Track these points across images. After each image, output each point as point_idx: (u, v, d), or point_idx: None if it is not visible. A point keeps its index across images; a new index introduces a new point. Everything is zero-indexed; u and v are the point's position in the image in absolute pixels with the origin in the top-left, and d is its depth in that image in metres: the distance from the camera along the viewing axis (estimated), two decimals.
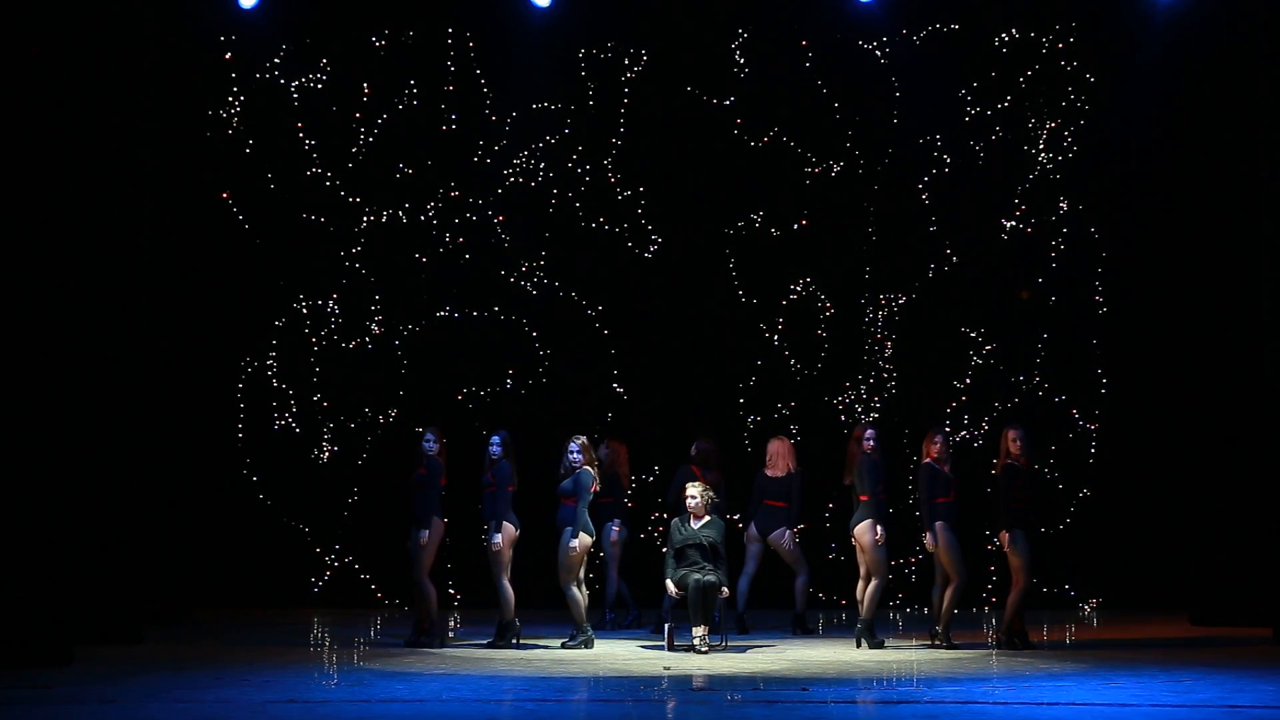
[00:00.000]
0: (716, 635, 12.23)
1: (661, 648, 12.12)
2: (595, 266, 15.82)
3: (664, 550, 12.53)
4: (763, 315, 15.76)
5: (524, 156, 15.82)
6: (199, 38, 15.09)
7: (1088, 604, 15.32)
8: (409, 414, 15.63)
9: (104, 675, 10.30)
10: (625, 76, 15.78)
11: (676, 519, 12.32)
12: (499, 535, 12.02)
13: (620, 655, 11.80)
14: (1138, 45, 15.12)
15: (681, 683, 10.24)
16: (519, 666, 11.07)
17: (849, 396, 15.66)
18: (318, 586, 15.55)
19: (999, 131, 15.60)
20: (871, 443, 12.30)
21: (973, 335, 15.60)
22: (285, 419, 15.67)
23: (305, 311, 15.73)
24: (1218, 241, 13.93)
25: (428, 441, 12.32)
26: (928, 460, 12.17)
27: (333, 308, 15.75)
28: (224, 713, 8.91)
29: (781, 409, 15.64)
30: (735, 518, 14.01)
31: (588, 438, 12.44)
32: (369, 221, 15.78)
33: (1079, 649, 12.33)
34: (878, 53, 15.69)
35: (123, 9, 12.43)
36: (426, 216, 15.81)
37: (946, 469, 12.18)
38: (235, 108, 15.62)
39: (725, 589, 12.04)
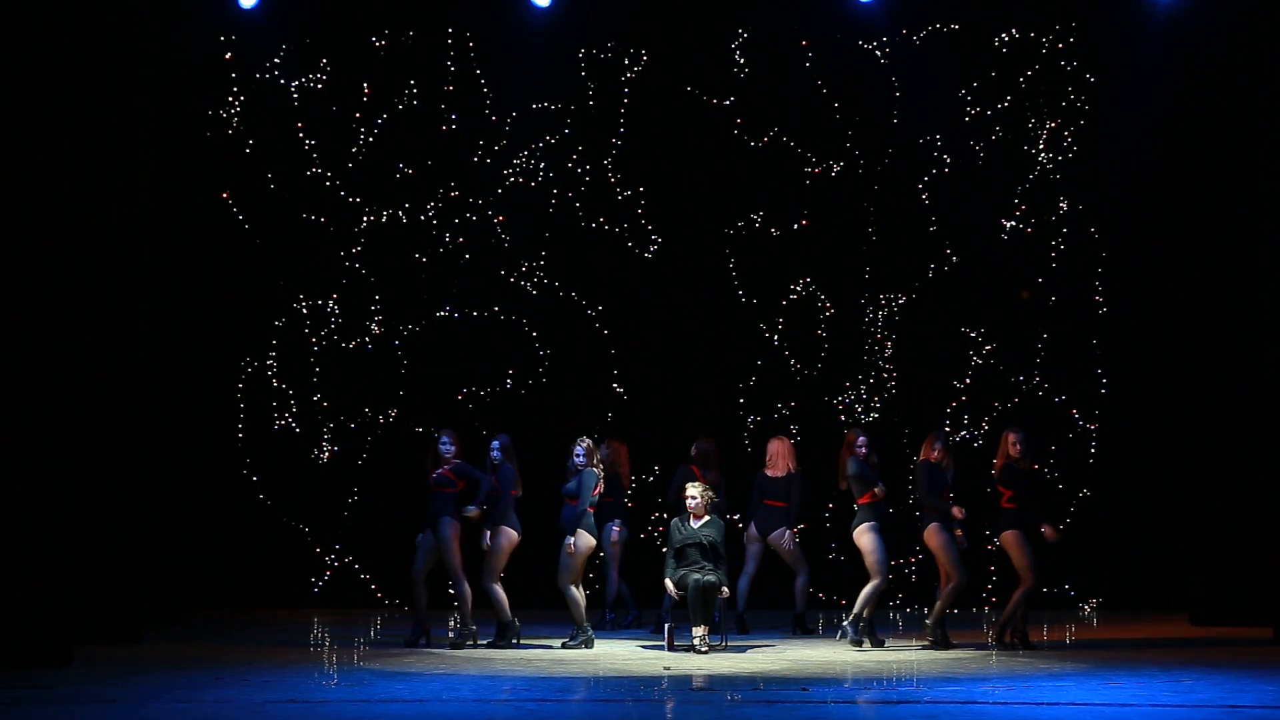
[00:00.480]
0: (716, 635, 12.23)
1: (661, 648, 12.12)
2: (595, 266, 15.82)
3: (664, 550, 12.53)
4: (763, 315, 15.76)
5: (524, 156, 15.82)
6: (199, 38, 15.09)
7: (1088, 604, 15.33)
8: (409, 414, 15.64)
9: (104, 675, 10.30)
10: (625, 76, 15.78)
11: (676, 519, 12.32)
12: (502, 539, 12.04)
13: (620, 655, 11.80)
14: (1138, 45, 15.11)
15: (681, 683, 10.24)
16: (519, 666, 11.07)
17: (849, 396, 15.66)
18: (318, 586, 15.55)
19: (999, 131, 15.60)
20: (865, 449, 12.30)
21: (973, 335, 15.60)
22: (285, 419, 15.67)
23: (305, 311, 15.73)
24: (1218, 241, 13.93)
25: (445, 444, 12.33)
26: (924, 459, 12.16)
27: (333, 308, 15.75)
28: (224, 713, 8.91)
29: (781, 409, 15.64)
30: (735, 518, 14.01)
31: (591, 439, 12.45)
32: (369, 221, 15.78)
33: (1079, 649, 12.33)
34: (878, 53, 15.69)
35: (123, 9, 12.44)
36: (426, 216, 15.81)
37: (947, 473, 12.18)
38: (235, 108, 15.62)
39: (725, 589, 12.04)
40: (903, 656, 11.72)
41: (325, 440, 15.67)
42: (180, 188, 14.47)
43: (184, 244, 14.57)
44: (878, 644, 12.21)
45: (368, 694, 9.62)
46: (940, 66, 15.57)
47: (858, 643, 12.07)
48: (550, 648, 12.14)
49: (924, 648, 12.11)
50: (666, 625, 12.30)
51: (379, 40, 15.71)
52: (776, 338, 15.74)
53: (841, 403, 15.66)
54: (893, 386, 15.64)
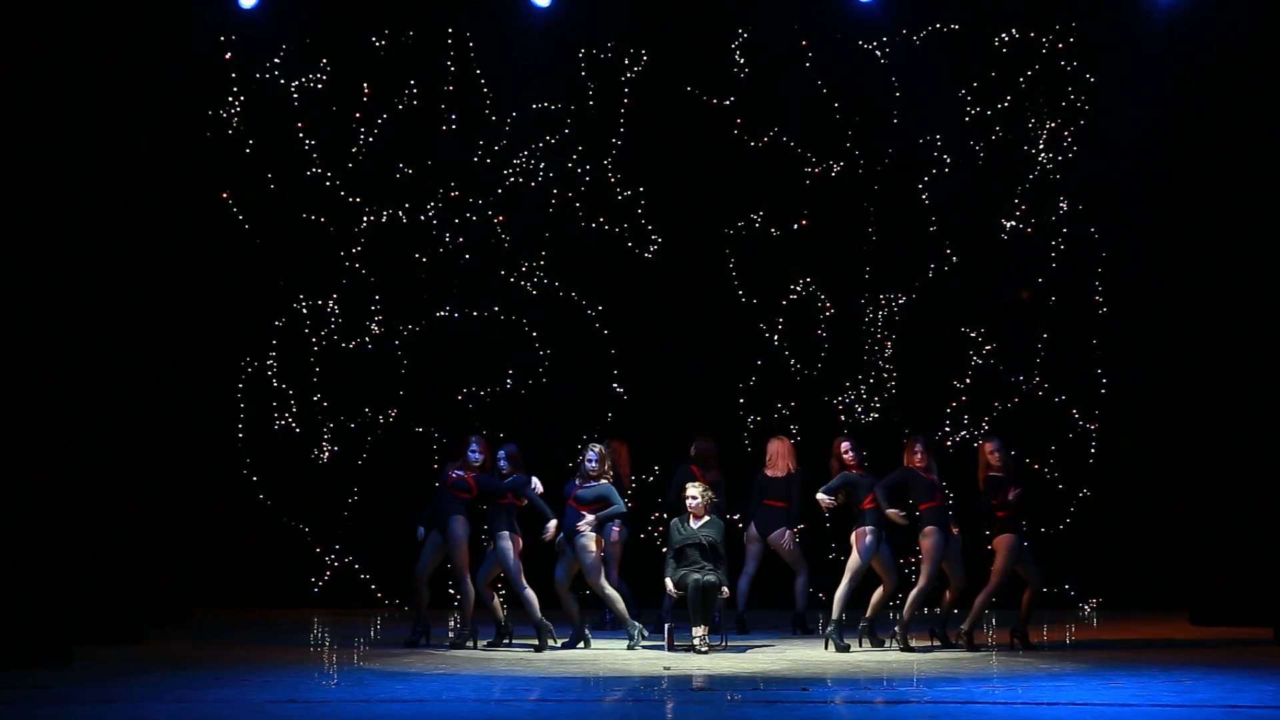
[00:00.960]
0: (716, 635, 12.23)
1: (661, 648, 12.12)
2: (595, 266, 15.82)
3: (664, 550, 12.53)
4: (763, 315, 15.76)
5: (524, 156, 15.82)
6: (199, 38, 15.09)
7: (1088, 604, 15.32)
8: (409, 414, 15.64)
9: (104, 675, 10.30)
10: (625, 76, 15.78)
11: (676, 519, 12.32)
12: (509, 543, 12.06)
13: (620, 655, 11.80)
14: (1138, 45, 15.11)
15: (681, 683, 10.24)
16: (519, 667, 11.07)
17: (849, 396, 15.66)
18: (318, 586, 15.55)
19: (999, 131, 15.60)
20: (850, 455, 12.32)
21: (973, 335, 15.60)
22: (285, 419, 15.67)
23: (305, 311, 15.73)
24: (1218, 241, 13.93)
25: (474, 451, 12.34)
26: (909, 467, 12.17)
27: (333, 308, 15.75)
28: (224, 713, 8.91)
29: (781, 409, 15.64)
30: (735, 518, 14.01)
31: (602, 445, 12.47)
32: (369, 221, 15.78)
33: (1079, 649, 12.33)
34: (878, 53, 15.68)
35: (123, 9, 12.43)
36: (426, 216, 15.81)
37: (932, 475, 12.17)
38: (235, 108, 15.62)
39: (725, 589, 12.04)
40: (903, 656, 11.72)
41: (325, 440, 15.67)
42: (180, 188, 14.47)
43: (184, 244, 14.57)
44: (877, 644, 12.22)
45: (368, 694, 9.62)
46: (940, 66, 15.56)
47: (843, 649, 12.06)
48: (552, 648, 12.13)
49: (929, 648, 12.12)
50: (666, 625, 12.30)
51: (379, 40, 15.70)
52: (776, 338, 15.74)
53: (841, 403, 15.66)
54: (893, 386, 15.64)
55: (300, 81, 15.70)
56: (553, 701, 9.49)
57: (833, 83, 15.69)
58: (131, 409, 12.46)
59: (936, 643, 12.26)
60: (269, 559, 15.47)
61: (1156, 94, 14.97)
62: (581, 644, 12.21)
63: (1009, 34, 15.57)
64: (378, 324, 15.78)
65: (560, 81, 15.77)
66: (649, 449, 15.11)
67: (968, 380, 15.57)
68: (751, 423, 15.59)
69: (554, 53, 15.69)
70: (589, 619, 12.73)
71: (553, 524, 12.01)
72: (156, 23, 12.98)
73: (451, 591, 15.12)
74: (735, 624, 13.08)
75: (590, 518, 12.01)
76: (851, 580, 12.14)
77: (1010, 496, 12.01)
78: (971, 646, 12.05)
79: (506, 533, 12.10)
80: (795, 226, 15.77)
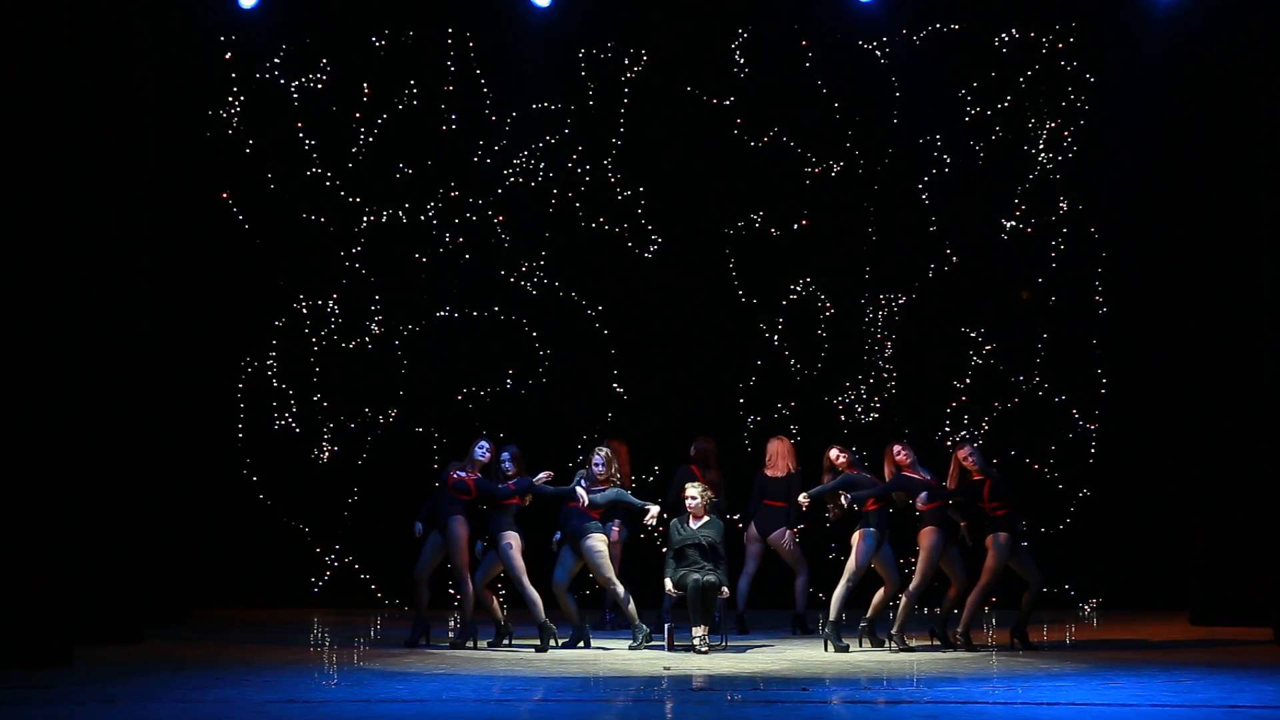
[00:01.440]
0: (716, 635, 12.23)
1: (661, 648, 12.12)
2: (595, 266, 15.83)
3: (664, 550, 12.53)
4: (763, 315, 15.76)
5: (524, 156, 15.82)
6: (199, 38, 15.09)
7: (1088, 604, 15.32)
8: (409, 414, 15.64)
9: (104, 675, 10.30)
10: (625, 76, 15.78)
11: (675, 519, 12.32)
12: (512, 543, 12.07)
13: (620, 655, 11.80)
14: (1138, 45, 15.11)
15: (681, 683, 10.24)
16: (519, 667, 11.07)
17: (849, 396, 15.66)
18: (318, 586, 15.55)
19: (999, 131, 15.60)
20: (842, 459, 12.31)
21: (973, 335, 15.61)
22: (285, 419, 15.67)
23: (305, 311, 15.73)
24: (1218, 241, 13.92)
25: (481, 449, 12.36)
26: (902, 473, 12.16)
27: (333, 308, 15.75)
28: (224, 713, 8.91)
29: (781, 409, 15.64)
30: (735, 518, 14.01)
31: (609, 448, 12.49)
32: (369, 221, 15.78)
33: (1079, 649, 12.33)
34: (878, 53, 15.69)
35: (123, 9, 12.43)
36: (426, 216, 15.81)
37: (921, 475, 12.17)
38: (235, 108, 15.62)
39: (725, 589, 12.04)
40: (903, 657, 11.72)
41: (325, 440, 15.67)
42: (180, 188, 14.46)
43: (184, 244, 14.57)
44: (877, 644, 12.22)
45: (368, 694, 9.62)
46: (940, 66, 15.57)
47: (843, 649, 12.06)
48: (553, 648, 12.13)
49: (931, 648, 12.13)
50: (666, 625, 12.30)
51: (379, 40, 15.71)
52: (776, 338, 15.74)
53: (841, 403, 15.66)
54: (893, 386, 15.64)
55: (300, 81, 15.70)
56: (553, 701, 9.49)
57: (833, 83, 15.69)
58: (131, 409, 12.45)
59: (936, 642, 12.26)
60: (269, 559, 15.48)
61: (1156, 94, 14.97)
62: (581, 644, 12.22)
63: (1009, 34, 15.57)
64: (378, 324, 15.78)
65: (560, 81, 15.77)
66: (649, 449, 15.11)
67: (968, 380, 15.58)
68: (751, 423, 15.59)
69: (554, 53, 15.70)
70: (589, 619, 12.72)
71: (582, 494, 12.15)
72: (156, 23, 12.98)
73: (451, 591, 15.14)
74: (735, 624, 13.08)
75: (653, 509, 12.15)
76: (850, 581, 12.14)
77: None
78: (969, 647, 12.05)
79: (509, 533, 12.11)
80: (795, 226, 15.77)
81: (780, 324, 15.75)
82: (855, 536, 12.19)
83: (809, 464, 13.97)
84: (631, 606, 12.23)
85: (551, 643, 12.05)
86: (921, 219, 15.70)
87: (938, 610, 12.57)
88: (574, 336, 15.78)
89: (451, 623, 13.55)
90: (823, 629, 12.24)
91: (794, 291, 15.75)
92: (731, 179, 15.83)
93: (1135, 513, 15.26)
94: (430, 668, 10.92)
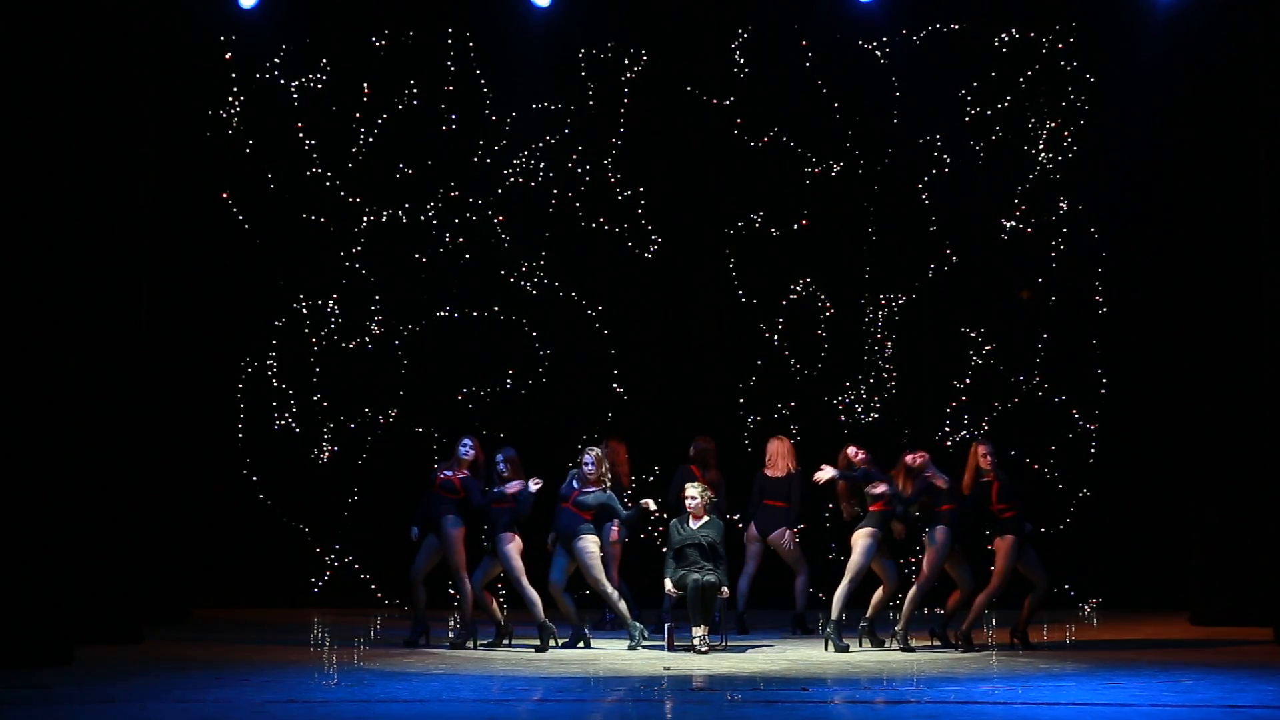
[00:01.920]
0: (716, 635, 12.23)
1: (661, 648, 12.12)
2: (595, 266, 15.83)
3: (664, 550, 12.53)
4: (763, 315, 15.76)
5: (524, 156, 15.82)
6: (199, 38, 15.09)
7: (1088, 604, 15.32)
8: (409, 414, 15.64)
9: (104, 675, 10.30)
10: (625, 76, 15.78)
11: (675, 519, 12.33)
12: (511, 545, 12.08)
13: (620, 655, 11.80)
14: (1138, 45, 15.10)
15: (681, 683, 10.24)
16: (519, 667, 11.07)
17: (849, 396, 15.66)
18: (318, 586, 15.55)
19: (999, 131, 15.60)
20: (860, 455, 12.29)
21: (973, 335, 15.60)
22: (285, 419, 15.67)
23: (305, 311, 15.73)
24: (1218, 241, 13.91)
25: (466, 447, 12.37)
26: (924, 477, 12.15)
27: (333, 308, 15.75)
28: (224, 713, 8.91)
29: (781, 409, 15.64)
30: (735, 518, 14.00)
31: (600, 448, 12.48)
32: (369, 221, 15.78)
33: (1079, 649, 12.33)
34: (878, 53, 15.69)
35: (123, 9, 12.43)
36: (426, 216, 15.81)
37: (939, 478, 12.16)
38: (235, 108, 15.61)
39: (725, 589, 12.04)
40: (903, 657, 11.73)
41: (325, 440, 15.67)
42: (180, 188, 14.46)
43: (184, 244, 14.56)
44: (878, 644, 12.22)
45: (368, 694, 9.62)
46: (940, 66, 15.56)
47: (843, 649, 12.06)
48: (551, 647, 12.13)
49: (933, 648, 12.13)
50: (666, 625, 12.30)
51: (379, 40, 15.70)
52: (776, 338, 15.74)
53: (841, 403, 15.66)
54: (893, 386, 15.64)
55: (300, 81, 15.70)
56: (553, 701, 9.49)
57: (833, 83, 15.69)
58: (131, 409, 12.45)
59: (936, 643, 12.26)
60: (269, 559, 15.48)
61: (1156, 94, 14.97)
62: (581, 644, 12.22)
63: (1009, 34, 15.56)
64: (378, 324, 15.78)
65: (560, 81, 15.77)
66: (649, 449, 15.11)
67: (968, 380, 15.57)
68: (751, 423, 15.59)
69: (554, 53, 15.69)
70: (588, 619, 12.72)
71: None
72: (156, 23, 12.98)
73: (451, 591, 15.15)
74: (735, 624, 13.08)
75: (650, 504, 12.15)
76: (851, 581, 12.14)
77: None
78: (969, 647, 12.05)
79: (508, 534, 12.11)
80: (795, 226, 15.77)
81: (780, 324, 15.75)
82: (856, 536, 12.19)
83: (809, 464, 13.97)
84: (623, 606, 12.22)
85: (551, 642, 12.05)
86: (921, 219, 15.70)
87: (939, 610, 12.56)
88: (574, 336, 15.77)
89: (451, 623, 13.55)
90: (823, 629, 12.25)
91: (794, 291, 15.75)
92: (731, 179, 15.83)
93: (1135, 513, 15.26)
94: (430, 668, 10.92)
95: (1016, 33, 15.56)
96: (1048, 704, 9.25)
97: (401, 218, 15.79)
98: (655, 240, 15.81)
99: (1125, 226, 15.43)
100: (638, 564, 14.21)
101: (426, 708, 9.14)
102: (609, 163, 15.82)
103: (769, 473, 13.47)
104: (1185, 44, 14.43)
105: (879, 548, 12.13)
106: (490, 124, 15.78)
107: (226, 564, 15.26)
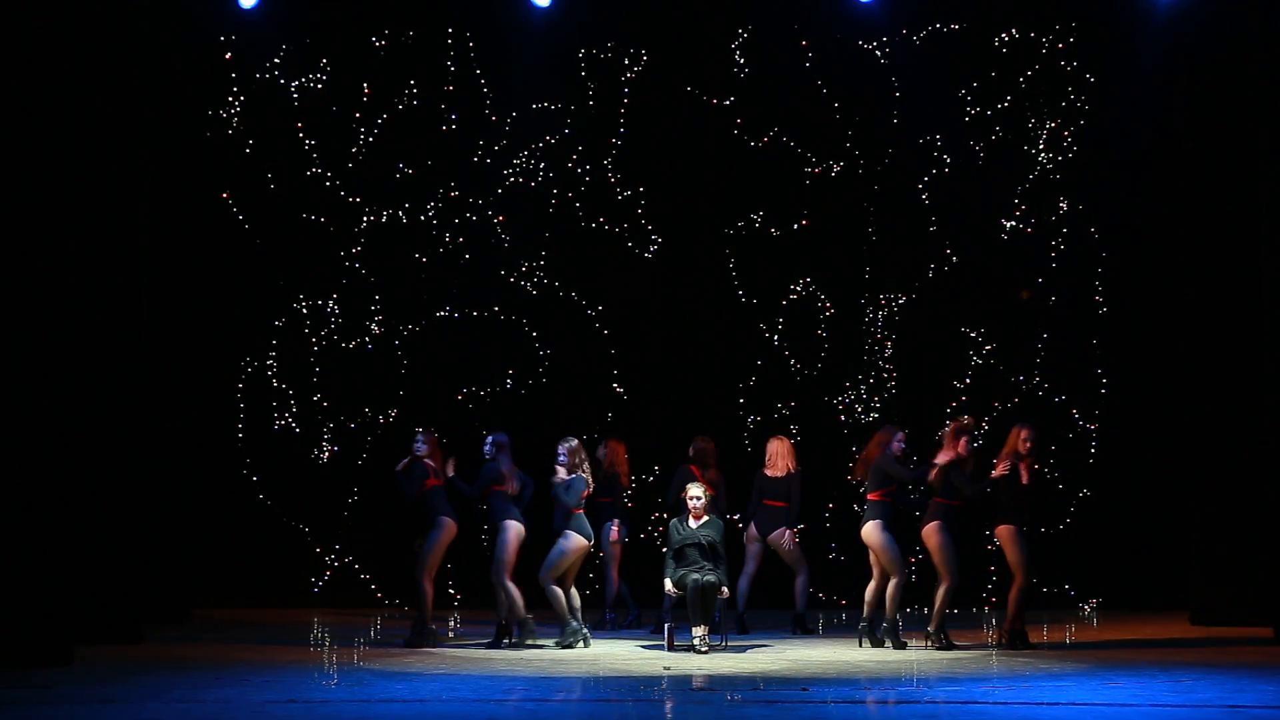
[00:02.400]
0: (716, 635, 12.23)
1: (661, 648, 12.12)
2: (595, 266, 15.83)
3: (664, 550, 12.53)
4: (763, 315, 15.76)
5: (524, 156, 15.82)
6: (199, 38, 15.08)
7: (1088, 604, 15.33)
8: (409, 414, 15.63)
9: (104, 675, 10.30)
10: (625, 76, 15.78)
11: (675, 519, 12.32)
12: (509, 533, 12.08)
13: (620, 655, 11.80)
14: (1138, 45, 15.11)
15: (681, 683, 10.24)
16: (519, 666, 11.07)
17: (849, 396, 15.66)
18: (318, 586, 15.55)
19: (999, 131, 15.60)
20: (902, 445, 12.23)
21: (973, 335, 15.61)
22: (285, 419, 15.67)
23: (305, 311, 15.73)
24: (1218, 241, 13.92)
25: (419, 443, 12.38)
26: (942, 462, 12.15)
27: (333, 308, 15.75)
28: (224, 713, 8.91)
29: (781, 409, 15.64)
30: (735, 518, 14.00)
31: (575, 440, 12.45)
32: (369, 221, 15.78)
33: (1079, 649, 12.33)
34: (878, 53, 15.69)
35: (123, 8, 12.43)
36: (426, 216, 15.81)
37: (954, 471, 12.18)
38: (235, 108, 15.62)
39: (725, 589, 12.04)
40: (903, 656, 11.72)
41: (325, 440, 15.67)
42: (180, 188, 14.46)
43: (184, 244, 14.56)
44: (877, 644, 12.20)
45: (368, 694, 9.62)
46: (940, 66, 15.57)
47: (901, 645, 12.06)
48: (544, 647, 12.13)
49: (930, 648, 12.11)
50: (666, 625, 12.30)
51: (379, 40, 15.71)
52: (776, 338, 15.74)
53: (841, 403, 15.66)
54: (893, 386, 15.64)
55: (300, 81, 15.70)
56: (553, 701, 9.49)
57: (833, 83, 15.69)
58: (131, 409, 12.46)
59: (931, 644, 12.23)
60: (269, 559, 15.47)
61: (1156, 94, 14.97)
62: (581, 644, 12.20)
63: (1009, 34, 15.57)
64: (378, 324, 15.78)
65: (560, 81, 15.77)
66: (649, 449, 15.11)
67: (968, 380, 15.58)
68: (751, 423, 15.59)
69: (554, 53, 15.70)
70: (588, 620, 12.70)
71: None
72: (156, 23, 12.98)
73: (451, 591, 15.16)
74: (735, 624, 13.08)
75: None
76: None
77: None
78: (1026, 644, 12.05)
79: (510, 522, 12.11)
80: (795, 226, 15.77)
81: (780, 324, 15.75)
82: (865, 531, 12.11)
83: (809, 464, 13.99)
84: (563, 604, 12.12)
85: (530, 640, 12.03)
86: (921, 219, 15.70)
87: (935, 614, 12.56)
88: (574, 336, 15.78)
89: (451, 622, 13.55)
90: (880, 631, 12.16)
91: (794, 291, 15.75)
92: (731, 179, 15.84)
93: (1135, 513, 15.27)
94: (430, 668, 10.92)
95: (1016, 33, 15.56)
96: (1048, 704, 9.25)
97: (401, 218, 15.80)
98: (655, 240, 15.81)
99: (1125, 226, 15.44)
100: (638, 564, 14.21)
101: (426, 708, 9.14)
102: (609, 163, 15.82)
103: (769, 473, 13.47)
104: (1185, 44, 14.43)
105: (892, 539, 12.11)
106: (490, 124, 15.78)
107: (226, 564, 15.26)
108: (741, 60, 15.77)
